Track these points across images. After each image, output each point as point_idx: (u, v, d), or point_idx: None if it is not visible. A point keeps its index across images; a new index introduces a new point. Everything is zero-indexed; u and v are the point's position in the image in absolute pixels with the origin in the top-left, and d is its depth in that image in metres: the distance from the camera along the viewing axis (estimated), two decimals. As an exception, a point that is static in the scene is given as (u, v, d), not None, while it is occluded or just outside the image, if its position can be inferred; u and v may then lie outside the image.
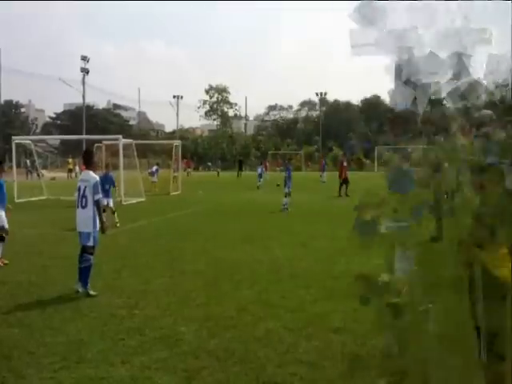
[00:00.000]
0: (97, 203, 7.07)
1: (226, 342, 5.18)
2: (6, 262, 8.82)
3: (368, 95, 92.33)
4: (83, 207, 7.04)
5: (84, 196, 7.03)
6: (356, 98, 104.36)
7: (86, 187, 7.04)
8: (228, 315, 6.02)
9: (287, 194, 17.70)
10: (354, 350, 4.88)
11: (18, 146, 24.40)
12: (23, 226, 13.08)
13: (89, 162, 7.39)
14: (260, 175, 32.28)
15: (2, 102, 51.67)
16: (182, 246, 10.83)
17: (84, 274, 6.99)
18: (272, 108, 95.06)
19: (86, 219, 7.03)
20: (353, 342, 5.11)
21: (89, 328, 5.63)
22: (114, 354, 4.88)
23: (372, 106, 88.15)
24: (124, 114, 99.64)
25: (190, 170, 51.75)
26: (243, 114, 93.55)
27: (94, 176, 7.22)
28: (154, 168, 28.97)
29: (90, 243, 7.08)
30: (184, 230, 13.51)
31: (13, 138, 24.06)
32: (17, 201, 20.04)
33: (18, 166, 22.37)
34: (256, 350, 4.96)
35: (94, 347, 5.03)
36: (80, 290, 6.92)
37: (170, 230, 13.36)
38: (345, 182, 23.65)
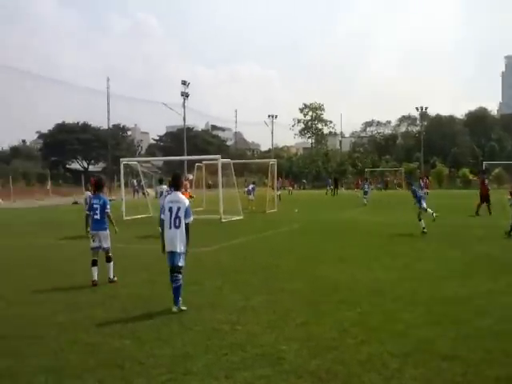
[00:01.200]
0: (187, 226, 7.25)
1: (328, 363, 5.09)
2: (115, 279, 9.23)
3: (473, 108, 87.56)
4: (177, 227, 7.16)
5: (177, 217, 7.16)
6: (460, 112, 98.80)
7: (179, 208, 7.15)
8: (329, 336, 5.92)
9: (420, 213, 15.96)
10: (466, 380, 4.57)
11: (126, 166, 26.09)
12: (131, 242, 13.92)
13: (178, 185, 7.55)
14: (366, 192, 32.14)
15: (111, 126, 55.67)
16: (280, 263, 10.88)
17: (177, 293, 7.13)
18: (369, 124, 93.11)
19: (180, 240, 7.16)
20: (465, 371, 4.79)
21: (194, 342, 5.82)
22: (218, 368, 4.99)
23: (478, 119, 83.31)
24: (221, 134, 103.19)
25: (291, 188, 52.75)
26: (338, 131, 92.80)
27: (185, 198, 7.41)
28: (251, 186, 29.50)
29: (181, 263, 7.20)
30: (281, 248, 13.58)
31: (121, 159, 25.80)
32: (125, 218, 21.40)
33: (126, 185, 23.85)
34: (359, 373, 4.83)
35: (199, 361, 5.19)
36: (175, 309, 7.06)
37: (268, 248, 13.49)
38: (486, 199, 22.42)
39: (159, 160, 70.02)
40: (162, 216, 7.26)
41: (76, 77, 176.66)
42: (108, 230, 9.38)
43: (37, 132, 76.64)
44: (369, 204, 30.95)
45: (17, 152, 69.78)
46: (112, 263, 9.23)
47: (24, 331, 6.33)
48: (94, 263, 9.07)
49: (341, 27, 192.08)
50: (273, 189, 30.18)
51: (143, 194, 31.95)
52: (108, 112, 48.49)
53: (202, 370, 4.96)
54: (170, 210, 7.18)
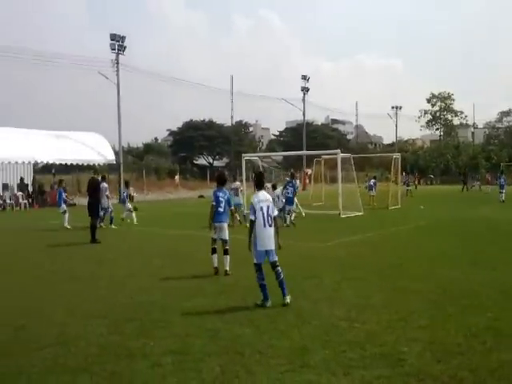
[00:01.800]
0: (275, 220, 7.38)
1: (453, 368, 4.80)
2: (230, 272, 9.39)
3: None
4: (270, 225, 7.25)
5: (269, 215, 7.26)
6: None
7: (268, 206, 7.29)
8: (455, 341, 5.58)
9: None
10: None
11: (247, 161, 26.79)
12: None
13: (262, 184, 7.69)
14: (502, 186, 29.60)
15: (234, 122, 57.59)
16: (402, 262, 10.48)
17: (284, 285, 7.19)
18: (505, 114, 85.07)
19: (273, 237, 7.28)
20: None
21: (311, 335, 5.84)
22: (335, 364, 4.95)
23: None
24: (342, 128, 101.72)
25: (416, 183, 50.95)
26: (470, 122, 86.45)
27: (269, 195, 7.59)
28: (372, 181, 28.77)
29: (276, 257, 7.31)
30: (404, 246, 13.08)
31: (243, 155, 26.66)
32: (245, 212, 22.04)
33: (247, 180, 24.55)
34: (488, 381, 4.50)
35: (316, 355, 5.19)
36: (288, 300, 7.12)
37: (390, 246, 13.07)
38: None
39: (279, 155, 71.11)
40: (253, 217, 7.25)
41: (202, 76, 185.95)
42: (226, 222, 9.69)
43: (167, 130, 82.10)
44: (506, 201, 28.43)
45: (149, 148, 75.22)
46: (229, 256, 9.46)
47: (154, 315, 6.83)
48: (214, 251, 9.55)
49: (469, 6, 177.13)
50: (396, 184, 29.17)
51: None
52: (231, 109, 50.38)
53: (320, 364, 4.96)
54: (262, 209, 7.25)
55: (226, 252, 9.53)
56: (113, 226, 18.26)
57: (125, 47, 38.25)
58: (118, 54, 37.87)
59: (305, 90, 58.99)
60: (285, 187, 18.72)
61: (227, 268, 9.40)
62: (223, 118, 73.52)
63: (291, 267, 10.04)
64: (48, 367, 5.06)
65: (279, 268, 7.25)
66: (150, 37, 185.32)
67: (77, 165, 33.88)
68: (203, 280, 9.05)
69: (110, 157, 35.69)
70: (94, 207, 15.17)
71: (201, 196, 39.14)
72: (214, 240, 9.64)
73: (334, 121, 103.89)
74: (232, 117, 51.82)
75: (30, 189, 33.08)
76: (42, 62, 62.23)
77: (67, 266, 10.95)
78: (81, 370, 4.97)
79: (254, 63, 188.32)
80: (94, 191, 15.42)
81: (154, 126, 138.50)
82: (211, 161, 77.95)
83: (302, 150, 53.99)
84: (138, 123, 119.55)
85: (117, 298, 7.85)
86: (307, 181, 46.17)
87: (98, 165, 32.38)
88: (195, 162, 76.98)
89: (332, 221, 19.59)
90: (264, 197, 7.42)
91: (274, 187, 19.57)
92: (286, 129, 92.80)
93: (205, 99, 79.97)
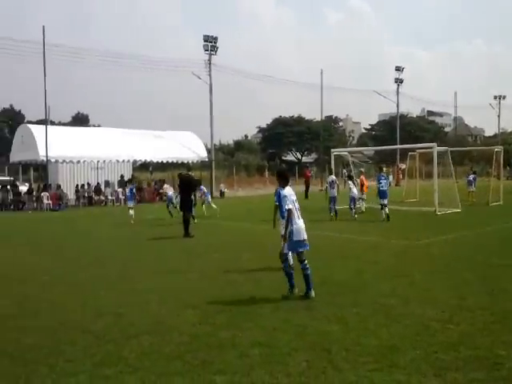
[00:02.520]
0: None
1: (559, 377, 4.45)
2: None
3: None
4: (301, 217, 7.55)
5: (298, 208, 7.56)
6: None
7: (296, 200, 7.60)
8: (561, 347, 5.15)
9: None
10: None
11: (337, 157, 26.44)
12: (343, 232, 14.18)
13: (287, 180, 7.84)
14: None
15: (324, 117, 56.99)
16: (502, 263, 9.82)
17: (310, 279, 7.43)
18: None
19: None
20: None
21: (401, 335, 5.67)
22: (426, 365, 4.78)
23: None
24: (439, 120, 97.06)
25: None
26: None
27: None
28: (471, 176, 27.19)
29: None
30: (503, 245, 12.27)
31: (332, 150, 26.35)
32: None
33: (336, 175, 24.18)
34: None
35: (406, 355, 5.04)
36: (313, 295, 7.35)
37: (487, 245, 12.32)
38: None
39: (369, 149, 69.29)
40: (291, 205, 7.44)
41: (292, 72, 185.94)
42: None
43: (257, 127, 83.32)
44: None
45: (239, 146, 76.93)
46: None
47: (243, 308, 6.99)
48: None
49: None
50: (498, 179, 27.36)
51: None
52: (321, 104, 49.76)
53: (409, 364, 4.82)
54: (293, 202, 7.49)
55: None
56: (195, 220, 19.01)
57: (217, 48, 39.26)
58: (210, 55, 38.97)
59: (399, 81, 56.95)
60: (378, 181, 18.48)
61: None
62: (313, 114, 73.16)
63: (382, 265, 9.84)
64: (144, 353, 5.36)
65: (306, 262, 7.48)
66: (240, 36, 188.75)
67: (172, 162, 35.45)
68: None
69: (203, 154, 36.95)
70: (187, 203, 15.76)
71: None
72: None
73: (431, 113, 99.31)
74: (321, 112, 51.29)
75: (130, 185, 35.16)
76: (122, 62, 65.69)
77: (161, 259, 11.51)
78: (174, 357, 5.23)
79: (345, 56, 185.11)
80: (186, 187, 16.03)
81: (244, 123, 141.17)
82: (300, 157, 77.87)
83: (395, 143, 52.09)
84: (228, 121, 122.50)
85: (208, 290, 8.13)
86: (401, 176, 44.63)
87: (192, 162, 33.66)
88: (284, 158, 77.31)
89: (427, 218, 18.81)
90: (291, 191, 7.69)
91: (350, 177, 20.61)
92: (379, 122, 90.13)
93: (294, 95, 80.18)
